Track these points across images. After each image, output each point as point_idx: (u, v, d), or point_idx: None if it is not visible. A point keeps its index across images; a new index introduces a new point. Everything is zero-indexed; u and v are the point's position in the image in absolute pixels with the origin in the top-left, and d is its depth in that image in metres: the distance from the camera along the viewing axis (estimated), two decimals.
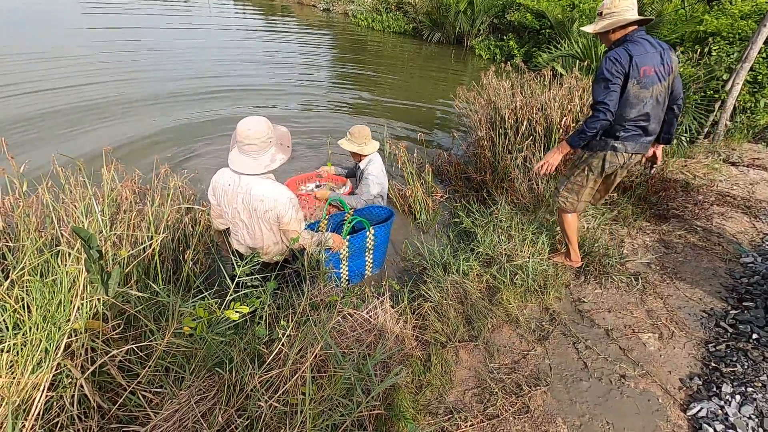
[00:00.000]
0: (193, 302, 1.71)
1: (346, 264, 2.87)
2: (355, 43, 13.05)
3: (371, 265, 3.12)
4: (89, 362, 1.47)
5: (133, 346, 1.49)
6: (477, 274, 2.77)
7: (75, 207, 1.96)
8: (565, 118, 4.09)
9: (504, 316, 2.51)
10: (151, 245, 1.86)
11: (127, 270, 1.80)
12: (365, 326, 1.89)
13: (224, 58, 9.39)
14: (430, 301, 2.55)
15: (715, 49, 5.90)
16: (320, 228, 2.89)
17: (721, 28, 6.33)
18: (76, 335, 1.43)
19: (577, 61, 5.37)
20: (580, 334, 2.42)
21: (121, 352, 1.48)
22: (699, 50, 6.09)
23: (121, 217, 2.24)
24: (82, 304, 1.45)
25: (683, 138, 4.69)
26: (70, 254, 1.60)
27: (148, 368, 1.52)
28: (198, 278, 2.14)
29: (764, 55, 5.47)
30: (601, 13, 2.34)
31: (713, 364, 2.20)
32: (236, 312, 1.63)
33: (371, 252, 3.00)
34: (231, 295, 1.68)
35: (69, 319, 1.42)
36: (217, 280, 2.25)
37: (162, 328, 1.65)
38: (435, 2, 13.35)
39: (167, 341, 1.54)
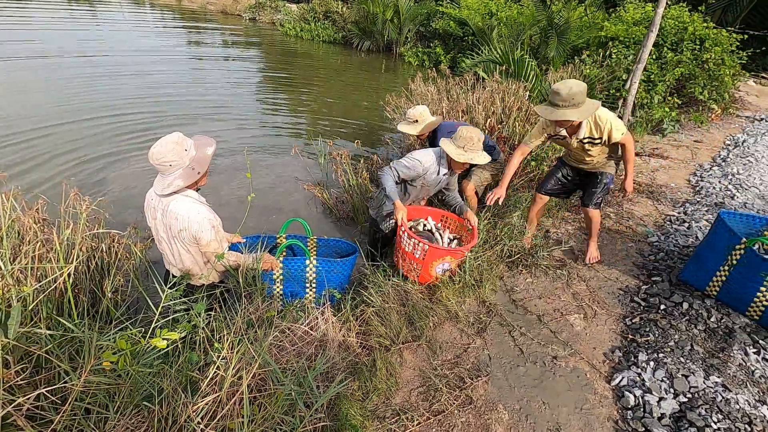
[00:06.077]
0: (113, 335, 1.58)
1: (281, 287, 2.50)
2: (284, 54, 12.87)
3: (312, 298, 2.60)
4: None
5: (43, 390, 1.35)
6: None
7: None
8: (489, 119, 4.33)
9: (444, 313, 2.58)
10: (59, 277, 1.70)
11: (32, 307, 1.62)
12: (306, 339, 1.85)
13: (142, 69, 8.81)
14: (373, 306, 2.57)
15: (614, 53, 6.56)
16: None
17: (619, 34, 7.05)
18: None
19: (497, 65, 5.71)
20: (515, 322, 2.56)
21: (29, 399, 1.33)
22: (602, 53, 6.74)
23: (25, 249, 2.02)
24: None
25: None
26: None
27: (63, 413, 1.38)
28: (119, 308, 1.98)
29: (654, 56, 6.17)
30: (417, 120, 3.40)
31: (630, 336, 2.42)
32: (164, 339, 1.53)
33: (313, 286, 2.53)
34: (156, 321, 1.57)
35: None
36: (143, 308, 2.09)
37: (78, 367, 1.50)
38: (362, 11, 13.55)
39: (84, 380, 1.41)
